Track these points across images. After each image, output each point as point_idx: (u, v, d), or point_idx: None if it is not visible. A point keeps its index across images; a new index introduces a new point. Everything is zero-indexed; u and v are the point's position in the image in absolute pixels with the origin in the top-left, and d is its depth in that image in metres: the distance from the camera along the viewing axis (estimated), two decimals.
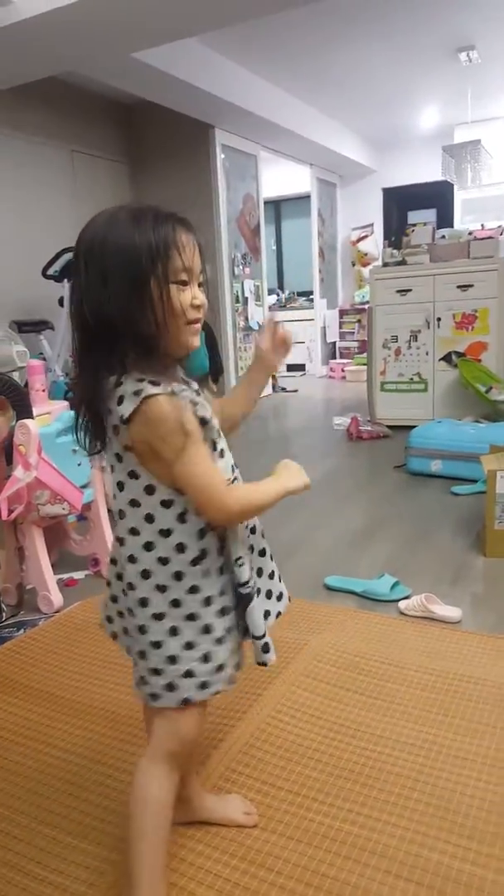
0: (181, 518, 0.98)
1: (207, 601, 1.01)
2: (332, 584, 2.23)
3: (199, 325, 1.00)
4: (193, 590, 1.00)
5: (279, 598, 1.19)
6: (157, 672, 1.00)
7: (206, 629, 1.01)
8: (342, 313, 8.59)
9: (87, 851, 1.21)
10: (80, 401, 0.99)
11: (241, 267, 6.32)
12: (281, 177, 8.11)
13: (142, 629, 1.00)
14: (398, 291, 4.61)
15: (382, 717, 1.53)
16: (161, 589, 0.99)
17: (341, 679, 1.68)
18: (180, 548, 0.99)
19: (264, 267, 6.84)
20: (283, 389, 7.17)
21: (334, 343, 8.60)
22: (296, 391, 7.13)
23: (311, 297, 8.36)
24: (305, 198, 8.06)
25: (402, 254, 4.80)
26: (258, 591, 1.09)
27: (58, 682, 1.76)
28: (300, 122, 6.25)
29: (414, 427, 3.73)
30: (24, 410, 2.10)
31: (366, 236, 8.49)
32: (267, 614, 1.12)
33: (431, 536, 2.68)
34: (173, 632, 1.00)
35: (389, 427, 4.57)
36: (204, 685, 1.01)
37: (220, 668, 1.02)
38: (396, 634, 1.91)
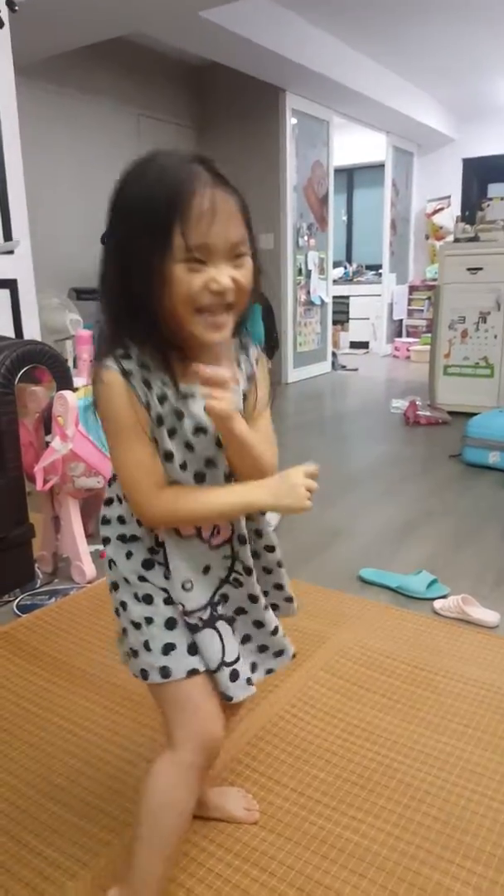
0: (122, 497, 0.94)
1: (126, 580, 0.93)
2: (367, 577, 2.17)
3: (222, 318, 0.82)
4: (112, 563, 0.95)
5: (278, 654, 1.05)
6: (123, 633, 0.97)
7: (136, 597, 0.94)
8: (412, 289, 8.33)
9: (85, 831, 1.21)
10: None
11: (305, 238, 6.17)
12: (355, 144, 7.84)
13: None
14: (469, 269, 4.41)
15: (401, 721, 1.48)
16: (113, 563, 0.95)
17: (363, 678, 1.64)
18: (120, 519, 0.94)
19: (331, 238, 6.66)
20: (343, 367, 7.03)
21: (401, 321, 8.36)
22: (356, 370, 6.99)
23: (379, 271, 8.12)
24: (380, 166, 7.78)
25: (476, 229, 4.58)
26: (226, 620, 0.97)
27: (82, 655, 1.78)
28: (377, 87, 6.00)
29: (476, 415, 3.58)
30: (64, 381, 2.10)
31: (442, 209, 8.15)
32: (254, 666, 1.02)
33: (478, 534, 2.57)
34: (123, 606, 0.95)
35: (450, 413, 4.41)
36: (126, 657, 0.97)
37: (133, 653, 0.94)
38: (428, 635, 1.84)
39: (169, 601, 0.93)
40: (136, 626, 0.93)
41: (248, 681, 0.98)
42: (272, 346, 5.72)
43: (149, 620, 0.92)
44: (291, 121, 5.78)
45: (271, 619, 1.03)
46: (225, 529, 0.96)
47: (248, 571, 0.98)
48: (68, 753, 1.41)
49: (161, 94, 5.66)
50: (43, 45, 4.08)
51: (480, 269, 4.36)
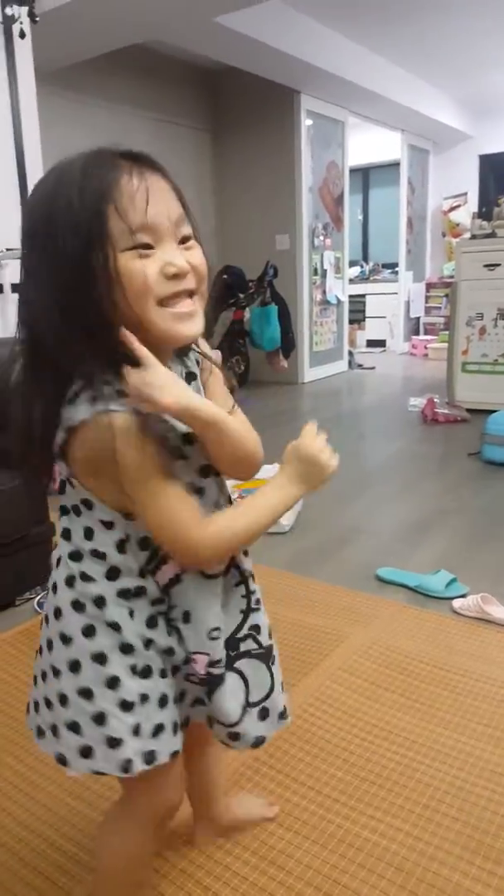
0: (121, 546, 0.80)
1: (125, 648, 0.80)
2: (384, 576, 2.17)
3: (189, 307, 0.72)
4: (113, 626, 0.80)
5: (282, 715, 0.95)
6: (50, 705, 0.84)
7: (111, 682, 0.80)
8: (429, 287, 8.29)
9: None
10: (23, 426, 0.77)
11: (321, 238, 6.16)
12: (370, 143, 7.83)
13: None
14: (486, 266, 4.38)
15: (420, 721, 1.48)
16: (79, 607, 0.81)
17: (381, 677, 1.64)
18: (112, 574, 0.80)
19: (346, 238, 6.65)
20: (360, 366, 7.01)
21: (418, 318, 8.31)
22: (373, 368, 6.96)
23: (395, 269, 8.09)
24: (395, 165, 7.75)
25: (492, 225, 4.54)
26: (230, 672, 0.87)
27: None
28: (392, 86, 5.98)
29: (495, 412, 3.55)
30: None
31: (458, 206, 8.10)
32: (259, 741, 0.91)
33: (498, 532, 2.55)
34: (72, 667, 0.81)
35: (469, 411, 4.38)
36: (85, 752, 0.80)
37: (112, 742, 0.79)
38: (446, 635, 1.83)
39: (165, 673, 0.83)
40: (128, 706, 0.80)
41: (281, 714, 0.94)
42: (288, 346, 5.73)
43: (144, 698, 0.81)
44: (306, 122, 5.78)
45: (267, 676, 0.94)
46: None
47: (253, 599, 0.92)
48: None
49: (178, 99, 5.69)
50: (62, 53, 4.12)
51: (498, 265, 4.33)
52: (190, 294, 0.73)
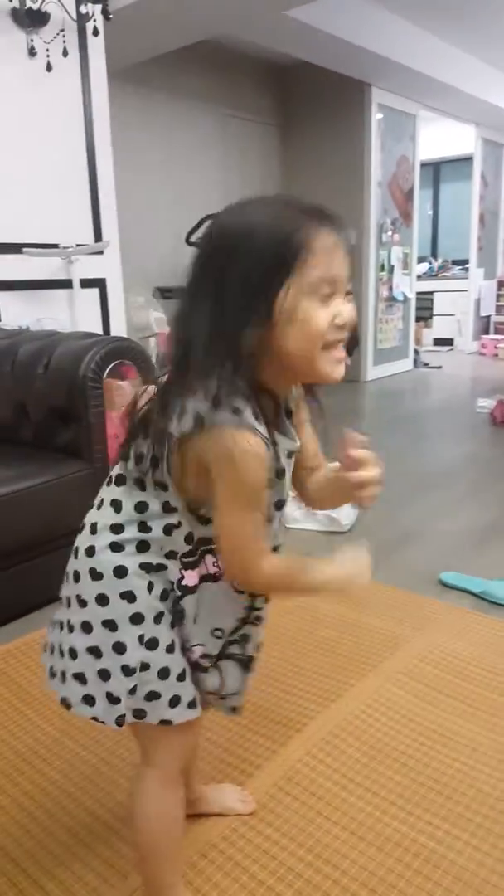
0: (168, 530, 0.86)
1: (135, 619, 0.87)
2: (448, 581, 2.12)
3: (342, 353, 0.81)
4: (126, 596, 0.87)
5: (234, 710, 1.03)
6: (62, 654, 0.96)
7: (118, 648, 0.87)
8: (500, 284, 8.07)
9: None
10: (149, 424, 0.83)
11: (389, 233, 6.07)
12: (442, 137, 7.66)
13: None
14: None
15: (481, 729, 1.44)
16: (97, 575, 0.89)
17: (441, 682, 1.60)
18: (142, 546, 0.87)
19: (415, 233, 6.53)
20: (426, 365, 6.88)
21: (488, 317, 8.10)
22: (439, 367, 6.82)
23: (466, 266, 7.89)
24: (468, 160, 7.55)
25: None
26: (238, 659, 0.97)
27: None
28: (466, 78, 5.83)
29: None
30: (149, 377, 2.15)
31: None
32: (236, 709, 1.04)
33: None
34: (84, 627, 0.91)
35: None
36: (87, 699, 0.90)
37: (112, 699, 0.88)
38: None
39: (171, 649, 0.89)
40: (129, 671, 0.87)
41: (234, 710, 1.03)
42: (351, 343, 5.66)
43: (144, 666, 0.87)
44: (377, 116, 5.69)
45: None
46: None
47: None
48: (122, 746, 1.44)
49: (246, 94, 5.70)
50: (134, 50, 4.19)
51: None
52: (340, 343, 0.81)
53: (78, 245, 3.01)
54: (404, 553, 2.38)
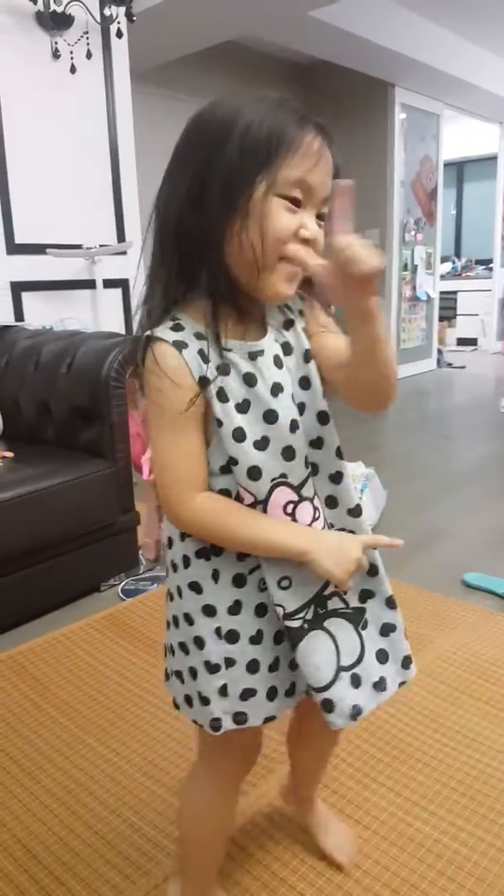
0: None
1: (207, 610, 0.80)
2: (471, 582, 2.10)
3: (297, 270, 0.72)
4: (194, 587, 0.81)
5: (378, 686, 0.87)
6: (169, 651, 0.89)
7: (198, 642, 0.81)
8: None
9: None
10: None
11: (412, 233, 6.03)
12: (465, 137, 7.59)
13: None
14: None
15: None
16: (173, 567, 0.84)
17: (465, 684, 1.59)
18: (217, 550, 0.80)
19: (439, 233, 6.47)
20: (449, 365, 6.82)
21: None
22: (463, 367, 6.76)
23: (490, 265, 7.81)
24: (492, 159, 7.48)
25: None
26: (320, 627, 0.82)
27: None
28: (490, 77, 5.78)
29: None
30: None
31: None
32: (356, 712, 0.83)
33: None
34: (174, 621, 0.85)
35: None
36: (188, 700, 0.85)
37: (203, 699, 0.82)
38: None
39: (258, 638, 0.81)
40: (213, 668, 0.81)
41: (377, 685, 0.86)
42: None
43: (230, 662, 0.81)
44: (400, 115, 5.66)
45: (394, 593, 0.89)
46: (319, 510, 0.83)
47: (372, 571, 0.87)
48: (166, 735, 1.45)
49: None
50: (157, 52, 4.22)
51: None
52: (298, 261, 0.73)
53: (101, 246, 3.03)
54: (427, 553, 2.36)
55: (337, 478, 0.84)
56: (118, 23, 2.90)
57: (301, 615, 0.80)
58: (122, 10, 2.85)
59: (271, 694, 0.83)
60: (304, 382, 0.80)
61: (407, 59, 4.91)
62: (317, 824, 1.14)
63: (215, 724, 0.82)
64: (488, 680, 1.59)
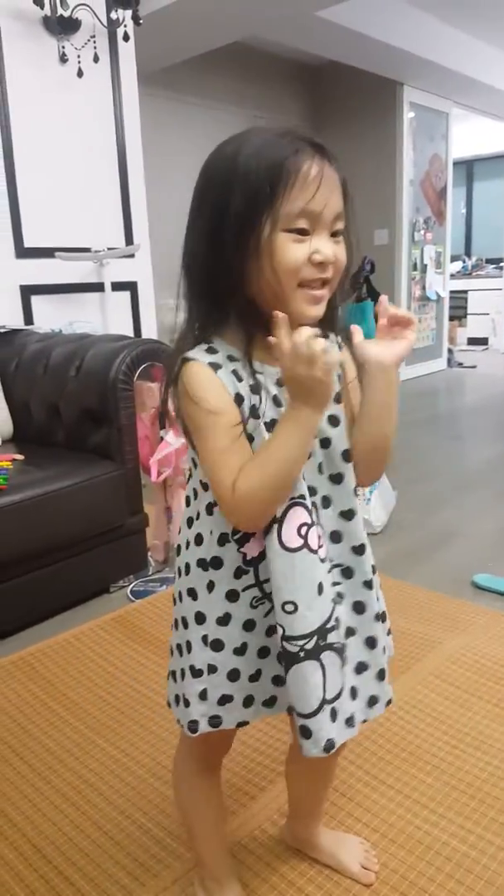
0: (209, 509, 0.83)
1: (198, 617, 0.85)
2: (481, 583, 2.09)
3: (321, 292, 0.76)
4: (191, 593, 0.86)
5: (349, 721, 0.88)
6: (171, 652, 0.94)
7: (188, 646, 0.87)
8: None
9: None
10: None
11: (422, 232, 6.01)
12: (475, 135, 7.55)
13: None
14: None
15: None
16: (179, 572, 0.89)
17: (474, 685, 1.58)
18: (198, 540, 0.85)
19: (449, 232, 6.45)
20: (460, 365, 6.79)
21: None
22: (474, 367, 6.73)
23: (500, 264, 7.78)
24: (502, 157, 7.45)
25: None
26: (324, 654, 0.83)
27: None
28: (501, 75, 5.74)
29: None
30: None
31: None
32: (329, 745, 0.83)
33: None
34: (175, 624, 0.91)
35: None
36: (177, 699, 0.90)
37: (185, 701, 0.88)
38: None
39: (242, 650, 0.84)
40: (196, 672, 0.86)
41: (348, 721, 0.88)
42: None
43: (212, 669, 0.85)
44: (409, 115, 5.65)
45: (381, 633, 0.91)
46: (322, 538, 0.84)
47: (367, 585, 0.88)
48: (175, 736, 1.45)
49: (276, 95, 5.70)
50: (163, 54, 4.23)
51: None
52: (324, 282, 0.77)
53: (109, 249, 3.05)
54: (437, 554, 2.35)
55: (349, 515, 0.86)
56: (125, 26, 2.91)
57: (301, 643, 0.81)
58: (129, 13, 2.86)
59: (248, 701, 0.88)
60: (333, 420, 0.83)
61: (415, 57, 4.89)
62: (326, 852, 1.12)
63: (192, 726, 0.87)
64: (498, 682, 1.59)
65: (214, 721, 0.87)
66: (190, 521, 0.87)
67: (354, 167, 6.04)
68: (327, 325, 0.81)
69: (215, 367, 0.77)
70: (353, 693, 0.89)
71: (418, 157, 5.85)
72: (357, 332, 0.82)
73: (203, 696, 0.86)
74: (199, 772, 1.00)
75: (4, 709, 1.58)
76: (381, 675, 0.91)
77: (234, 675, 0.86)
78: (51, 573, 1.96)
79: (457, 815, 1.21)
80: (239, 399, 0.77)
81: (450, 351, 6.80)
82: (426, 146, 5.94)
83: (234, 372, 0.77)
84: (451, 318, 7.13)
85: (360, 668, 0.89)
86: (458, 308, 7.90)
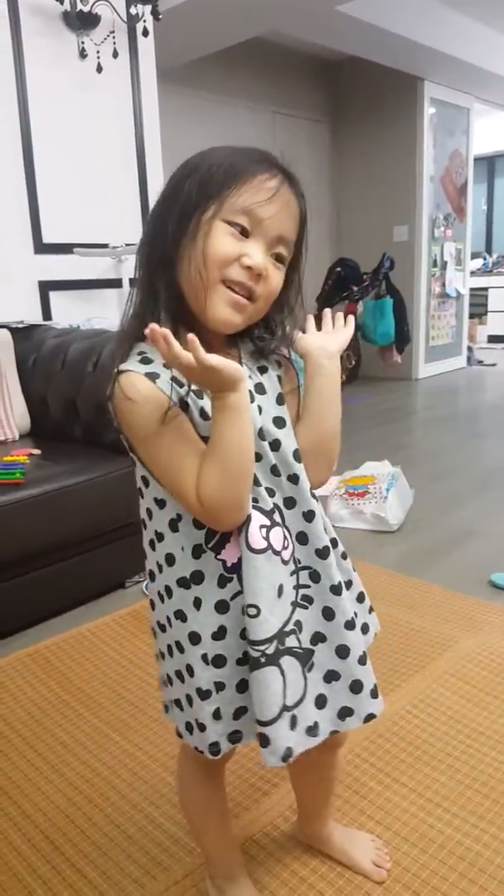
0: (173, 525, 0.81)
1: (193, 638, 0.81)
2: (499, 582, 2.06)
3: (243, 301, 0.75)
4: (179, 615, 0.82)
5: (311, 731, 0.85)
6: (165, 683, 0.90)
7: (189, 670, 0.83)
8: None
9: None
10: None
11: (441, 229, 5.96)
12: (497, 131, 7.47)
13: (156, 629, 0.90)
14: None
15: None
16: (160, 597, 0.85)
17: (490, 684, 1.56)
18: (170, 560, 0.81)
19: (469, 228, 6.39)
20: (480, 363, 6.73)
21: None
22: (494, 365, 6.66)
23: None
24: None
25: None
26: (294, 655, 0.82)
27: None
28: None
29: None
30: None
31: None
32: (287, 754, 0.81)
33: None
34: (168, 651, 0.86)
35: None
36: (188, 727, 0.87)
37: (200, 726, 0.84)
38: None
39: (244, 661, 0.81)
40: (204, 694, 0.82)
41: (310, 729, 0.85)
42: (403, 340, 5.58)
43: (220, 686, 0.82)
44: (429, 111, 5.60)
45: (357, 643, 0.87)
46: (288, 540, 0.82)
47: (335, 590, 0.85)
48: (169, 742, 1.45)
49: (295, 91, 5.68)
50: (183, 50, 4.23)
51: None
52: (249, 295, 0.76)
53: (127, 245, 3.05)
54: (454, 553, 2.33)
55: (310, 516, 0.84)
56: (144, 21, 2.92)
57: (262, 648, 0.79)
58: (149, 8, 2.86)
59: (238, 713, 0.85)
60: (279, 422, 0.83)
61: (436, 52, 4.85)
62: (338, 849, 1.11)
63: (214, 749, 0.84)
64: None
65: (235, 737, 0.85)
66: (153, 544, 0.84)
67: (374, 163, 6.02)
68: (266, 347, 0.84)
69: (152, 377, 0.74)
70: (321, 701, 0.86)
71: (438, 152, 5.81)
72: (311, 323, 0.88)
73: (217, 715, 0.83)
74: (203, 778, 0.98)
75: (20, 701, 1.59)
76: (356, 686, 0.87)
77: (242, 687, 0.82)
78: (66, 568, 1.97)
79: (471, 815, 1.20)
80: (184, 405, 0.75)
81: (469, 349, 6.74)
82: (447, 142, 5.88)
83: (174, 378, 0.75)
84: (471, 316, 7.06)
85: (330, 676, 0.86)
86: (479, 305, 7.83)
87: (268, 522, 0.80)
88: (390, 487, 2.59)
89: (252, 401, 0.79)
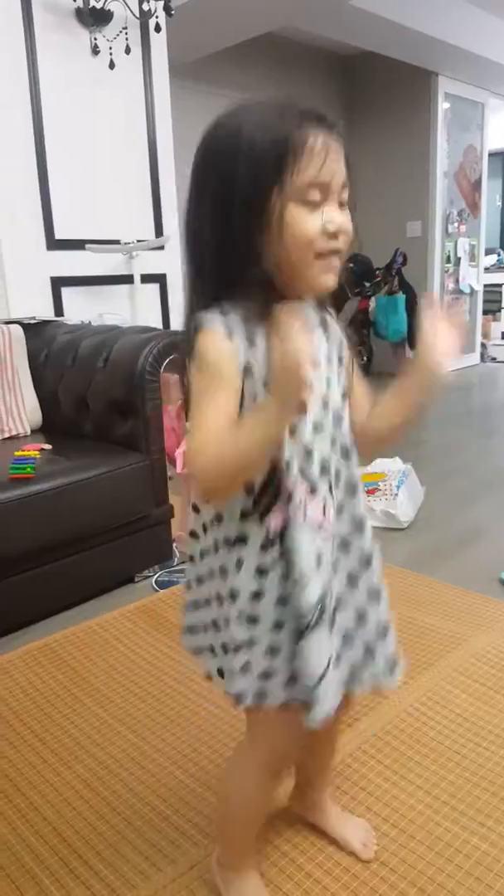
0: None
1: (232, 595, 0.84)
2: None
3: (335, 260, 0.77)
4: (222, 570, 0.86)
5: (352, 676, 0.91)
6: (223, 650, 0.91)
7: (226, 622, 0.86)
8: None
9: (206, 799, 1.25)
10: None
11: (455, 224, 5.92)
12: None
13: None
14: None
15: None
16: (215, 548, 0.87)
17: (499, 682, 1.55)
18: (218, 518, 0.85)
19: (483, 224, 6.34)
20: (493, 359, 6.68)
21: None
22: None
23: None
24: None
25: None
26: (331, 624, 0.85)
27: None
28: None
29: None
30: None
31: None
32: (352, 676, 0.89)
33: None
34: (211, 601, 0.90)
35: None
36: (220, 672, 0.90)
37: (265, 674, 0.85)
38: None
39: (279, 625, 0.83)
40: (236, 647, 0.85)
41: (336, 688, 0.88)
42: (416, 336, 5.54)
43: (250, 643, 0.84)
44: (444, 105, 5.56)
45: (378, 613, 0.91)
46: (330, 511, 0.85)
47: (365, 561, 0.90)
48: (196, 725, 1.46)
49: (309, 87, 5.66)
50: (195, 46, 4.22)
51: None
52: (335, 252, 0.77)
53: (139, 241, 3.06)
54: (464, 551, 2.32)
55: (354, 490, 0.88)
56: (156, 17, 2.91)
57: (309, 615, 0.81)
58: (161, 4, 2.86)
59: (291, 680, 0.85)
60: (344, 397, 0.87)
61: (450, 47, 4.81)
62: (332, 825, 1.14)
63: (239, 696, 0.86)
64: None
65: (260, 695, 0.86)
66: (197, 506, 0.88)
67: (387, 159, 5.99)
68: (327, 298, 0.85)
69: (229, 333, 0.76)
70: (337, 662, 0.88)
71: (452, 148, 5.76)
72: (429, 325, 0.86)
73: (245, 668, 0.85)
74: (263, 771, 0.97)
75: (29, 694, 1.60)
76: (369, 653, 0.90)
77: (274, 651, 0.84)
78: (77, 562, 1.98)
79: (478, 813, 1.19)
80: (248, 371, 0.76)
81: (483, 346, 6.69)
82: (461, 137, 5.84)
83: (248, 338, 0.76)
84: (485, 313, 7.00)
85: (347, 639, 0.90)
86: (492, 302, 7.76)
87: (317, 493, 0.82)
88: (401, 484, 2.58)
89: (322, 372, 0.82)
